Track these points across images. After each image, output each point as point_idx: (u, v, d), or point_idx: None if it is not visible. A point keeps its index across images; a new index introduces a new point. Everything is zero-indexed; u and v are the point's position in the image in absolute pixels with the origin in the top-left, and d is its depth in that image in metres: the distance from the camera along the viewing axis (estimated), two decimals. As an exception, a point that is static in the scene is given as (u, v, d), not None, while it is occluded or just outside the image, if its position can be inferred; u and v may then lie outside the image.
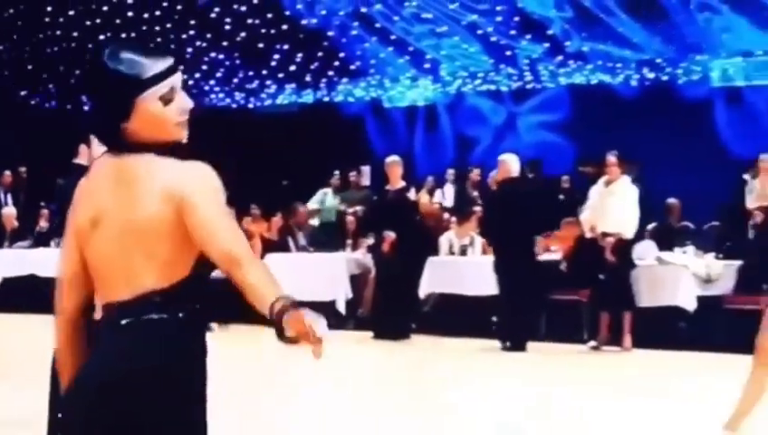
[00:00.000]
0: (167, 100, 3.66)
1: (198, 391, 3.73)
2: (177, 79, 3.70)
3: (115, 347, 3.63)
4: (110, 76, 3.57)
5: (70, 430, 3.68)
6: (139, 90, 3.61)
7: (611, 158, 15.48)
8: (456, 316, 16.96)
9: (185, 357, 3.67)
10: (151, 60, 3.65)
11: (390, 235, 16.71)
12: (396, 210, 16.90)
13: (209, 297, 3.79)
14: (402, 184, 17.24)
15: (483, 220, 17.32)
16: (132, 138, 3.64)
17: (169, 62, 3.69)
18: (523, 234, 15.74)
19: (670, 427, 9.83)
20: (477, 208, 19.40)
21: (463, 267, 17.53)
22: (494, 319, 16.61)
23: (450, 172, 21.87)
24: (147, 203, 3.57)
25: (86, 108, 25.76)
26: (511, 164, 16.31)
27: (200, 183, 3.56)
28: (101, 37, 24.62)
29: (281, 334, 3.42)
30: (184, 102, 3.71)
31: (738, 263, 15.30)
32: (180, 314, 3.62)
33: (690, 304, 15.52)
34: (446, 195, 20.93)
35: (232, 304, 15.37)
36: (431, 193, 19.55)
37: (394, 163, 17.22)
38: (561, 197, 19.67)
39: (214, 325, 16.81)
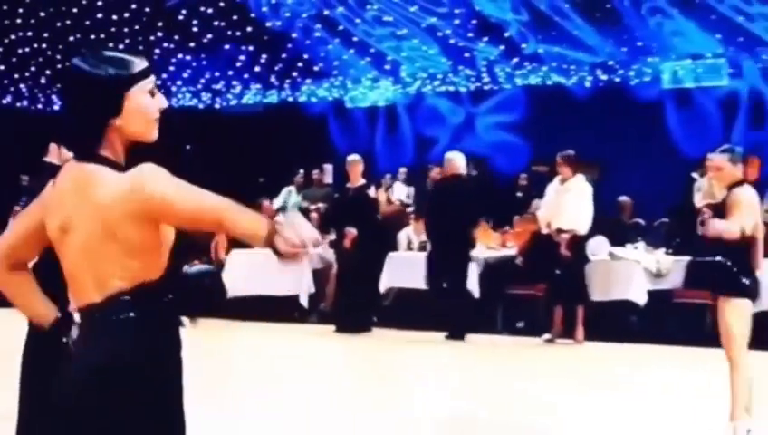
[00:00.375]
0: (152, 93, 3.75)
1: (173, 387, 3.75)
2: (153, 77, 3.78)
3: (89, 348, 3.66)
4: (99, 74, 3.63)
5: (50, 430, 3.70)
6: (130, 84, 3.68)
7: (559, 159, 15.62)
8: (415, 310, 17.00)
9: (158, 354, 3.68)
10: (136, 57, 3.74)
11: (351, 231, 16.75)
12: (356, 207, 16.94)
13: (179, 294, 3.81)
14: (362, 182, 17.28)
15: (424, 215, 17.41)
16: (116, 136, 3.68)
17: (146, 61, 3.76)
18: (458, 229, 15.88)
19: (621, 416, 9.90)
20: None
21: (421, 263, 17.54)
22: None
23: (402, 171, 21.93)
24: (111, 208, 3.59)
25: (57, 108, 25.60)
26: (457, 162, 16.47)
27: (157, 179, 3.57)
28: (71, 38, 24.54)
29: (280, 255, 3.46)
30: (161, 99, 3.79)
31: (687, 258, 15.39)
32: (151, 312, 3.65)
33: (641, 298, 15.62)
34: (397, 193, 20.94)
35: (201, 300, 15.51)
36: (387, 190, 19.59)
37: (354, 162, 17.27)
38: (519, 194, 19.73)
39: (190, 320, 16.83)
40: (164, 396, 3.69)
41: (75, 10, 24.26)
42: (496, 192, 20.37)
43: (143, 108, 3.70)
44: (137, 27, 24.78)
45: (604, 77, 21.79)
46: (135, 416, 3.59)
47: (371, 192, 17.68)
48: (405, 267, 17.45)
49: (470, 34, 22.82)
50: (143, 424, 3.61)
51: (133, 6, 24.71)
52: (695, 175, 16.91)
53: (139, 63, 3.72)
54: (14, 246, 3.92)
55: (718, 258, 8.41)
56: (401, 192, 21.10)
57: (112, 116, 3.66)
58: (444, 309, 16.16)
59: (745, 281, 8.22)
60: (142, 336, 3.63)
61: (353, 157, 17.39)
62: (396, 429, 9.28)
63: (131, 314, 3.61)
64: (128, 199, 3.55)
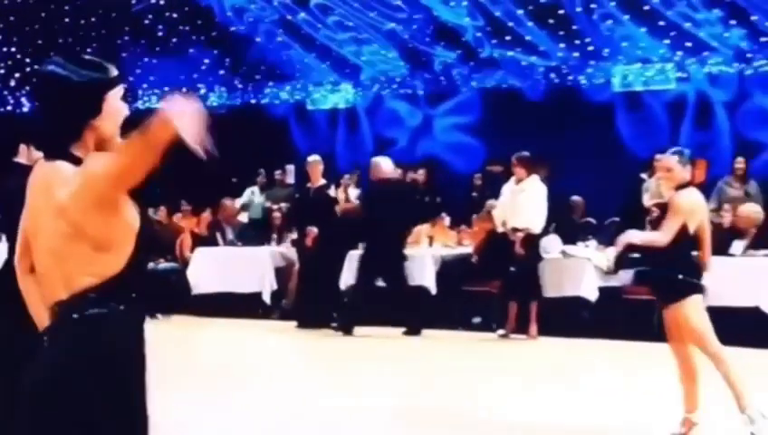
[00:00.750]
0: (123, 97, 3.87)
1: (136, 381, 3.79)
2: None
3: (54, 345, 3.69)
4: (82, 77, 3.73)
5: (20, 427, 3.73)
6: (109, 86, 3.80)
7: (513, 160, 15.70)
8: (375, 306, 17.02)
9: (123, 348, 3.72)
10: (109, 64, 3.86)
11: (313, 230, 16.77)
12: (317, 207, 16.98)
13: (146, 289, 3.85)
14: (323, 182, 17.31)
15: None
16: (91, 136, 3.73)
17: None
18: (391, 231, 15.97)
19: (572, 409, 9.96)
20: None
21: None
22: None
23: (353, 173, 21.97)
24: (66, 212, 3.64)
25: (27, 110, 25.52)
26: (384, 166, 16.59)
27: (91, 159, 3.68)
28: (40, 42, 24.45)
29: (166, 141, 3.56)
30: (125, 106, 3.89)
31: (636, 256, 15.46)
32: (117, 308, 3.68)
33: (592, 295, 15.70)
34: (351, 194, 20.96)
35: (166, 297, 15.43)
36: (346, 190, 19.61)
37: (315, 162, 17.32)
38: (474, 194, 19.77)
39: (158, 315, 16.85)
40: (127, 391, 3.73)
41: (43, 14, 24.19)
42: (442, 193, 20.49)
43: (117, 110, 3.82)
44: (104, 31, 24.74)
45: (557, 80, 21.88)
46: (98, 411, 3.62)
47: (331, 192, 17.71)
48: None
49: (428, 39, 22.88)
50: (107, 419, 3.64)
51: (100, 11, 24.68)
52: (643, 175, 17.03)
53: (113, 69, 3.84)
54: (25, 248, 3.94)
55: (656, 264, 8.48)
56: (354, 193, 21.14)
57: (93, 117, 3.75)
58: (400, 305, 16.24)
59: (692, 280, 8.28)
60: (106, 332, 3.67)
61: (314, 157, 17.43)
62: (353, 419, 9.32)
63: (96, 311, 3.65)
64: (80, 191, 3.61)
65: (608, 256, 16.02)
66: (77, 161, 3.71)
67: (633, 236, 8.41)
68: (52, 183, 3.69)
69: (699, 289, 8.30)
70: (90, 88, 3.75)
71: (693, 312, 8.23)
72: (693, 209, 8.29)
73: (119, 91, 3.83)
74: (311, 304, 16.81)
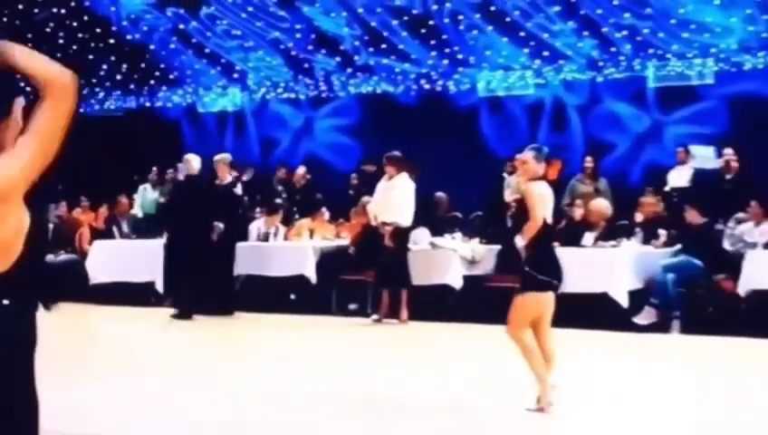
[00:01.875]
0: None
1: (27, 370, 3.64)
2: None
3: None
4: None
5: None
6: (15, 93, 3.59)
7: (385, 159, 15.77)
8: (264, 294, 17.02)
9: (13, 340, 3.57)
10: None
11: (219, 225, 16.56)
12: (225, 202, 16.85)
13: (39, 282, 3.75)
14: (230, 179, 17.21)
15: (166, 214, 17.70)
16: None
17: None
18: (195, 224, 16.04)
19: (440, 387, 10.01)
20: (282, 201, 19.48)
21: (268, 251, 17.53)
22: (293, 296, 16.77)
23: (250, 171, 21.89)
24: None
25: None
26: (193, 163, 16.64)
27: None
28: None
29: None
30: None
31: (498, 247, 15.59)
32: (5, 302, 3.57)
33: (457, 283, 15.79)
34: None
35: (66, 287, 15.21)
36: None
37: (222, 160, 17.20)
38: (351, 192, 19.75)
39: (59, 304, 16.62)
40: (20, 377, 3.62)
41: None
42: (322, 190, 20.49)
43: (18, 119, 3.57)
44: (6, 39, 24.26)
45: (427, 86, 21.94)
46: None
47: (238, 189, 17.54)
48: (254, 256, 17.38)
49: (309, 47, 22.84)
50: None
51: (4, 19, 24.29)
52: (504, 174, 17.20)
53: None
54: None
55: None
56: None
57: (2, 119, 3.55)
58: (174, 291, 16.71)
59: (537, 277, 8.43)
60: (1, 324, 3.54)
61: (222, 156, 17.36)
62: (242, 401, 9.25)
63: None
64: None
65: (472, 246, 16.13)
66: None
67: (520, 240, 8.56)
68: None
69: (543, 286, 8.45)
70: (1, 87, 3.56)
71: (525, 304, 8.43)
72: (543, 198, 8.44)
73: (20, 99, 3.68)
74: (208, 292, 16.63)
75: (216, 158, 17.28)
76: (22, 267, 3.61)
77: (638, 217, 16.38)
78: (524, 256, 8.55)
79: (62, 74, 3.51)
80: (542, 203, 8.41)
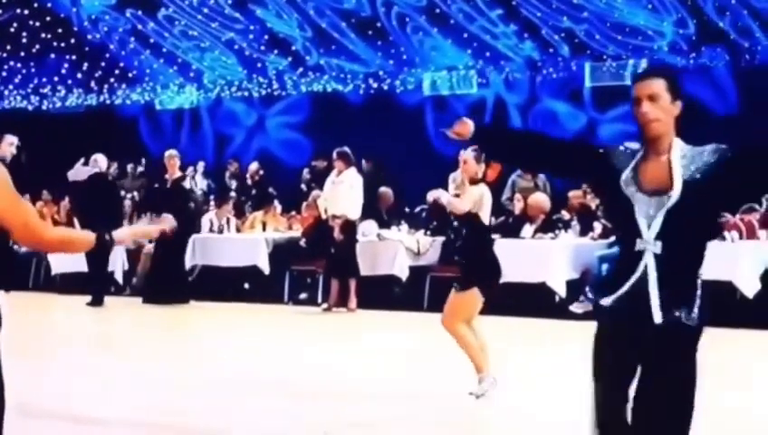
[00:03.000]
0: None
1: None
2: None
3: None
4: None
5: None
6: None
7: (334, 154, 15.76)
8: (218, 284, 16.99)
9: None
10: None
11: (169, 217, 16.44)
12: (173, 196, 16.76)
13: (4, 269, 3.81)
14: (179, 174, 17.13)
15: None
16: None
17: None
18: (91, 218, 15.92)
19: (385, 373, 9.99)
20: (233, 195, 19.44)
21: (221, 243, 17.48)
22: (246, 286, 16.75)
23: (200, 165, 21.89)
24: None
25: None
26: (101, 162, 17.13)
27: None
28: None
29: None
30: None
31: (441, 239, 15.59)
32: None
33: (403, 273, 15.79)
34: (199, 183, 20.78)
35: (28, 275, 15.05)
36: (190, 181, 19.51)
37: (172, 156, 17.15)
38: (303, 187, 19.68)
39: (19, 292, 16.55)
40: None
41: None
42: (275, 184, 20.42)
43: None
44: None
45: (375, 85, 21.90)
46: None
47: (186, 183, 17.49)
48: (207, 247, 17.34)
49: (262, 47, 22.76)
50: None
51: (-32, 20, 24.10)
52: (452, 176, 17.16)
53: None
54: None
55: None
56: (202, 183, 20.94)
57: None
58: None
59: (484, 278, 8.50)
60: None
61: (171, 152, 17.27)
62: (185, 386, 9.19)
63: None
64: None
65: (417, 238, 16.14)
66: None
67: (442, 194, 8.58)
68: None
69: (486, 287, 8.49)
70: None
71: (467, 301, 8.45)
72: (483, 201, 8.48)
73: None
74: (162, 282, 16.60)
75: (167, 154, 17.20)
76: None
77: (566, 212, 16.40)
78: (464, 254, 8.58)
79: None
80: (475, 203, 8.44)
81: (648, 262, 4.37)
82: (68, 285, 18.00)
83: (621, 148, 4.75)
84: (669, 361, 4.37)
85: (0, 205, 3.58)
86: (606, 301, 4.47)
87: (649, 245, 4.35)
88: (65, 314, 16.45)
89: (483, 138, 5.03)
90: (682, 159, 4.49)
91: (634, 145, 4.87)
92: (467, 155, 8.56)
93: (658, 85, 4.53)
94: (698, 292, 4.41)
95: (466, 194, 8.45)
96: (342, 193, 15.55)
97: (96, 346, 12.20)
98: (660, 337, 4.33)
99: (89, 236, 3.76)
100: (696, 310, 4.36)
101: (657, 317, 4.33)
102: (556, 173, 7.78)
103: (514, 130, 9.20)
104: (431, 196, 8.98)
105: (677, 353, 4.36)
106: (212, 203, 19.07)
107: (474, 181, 8.51)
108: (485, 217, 8.56)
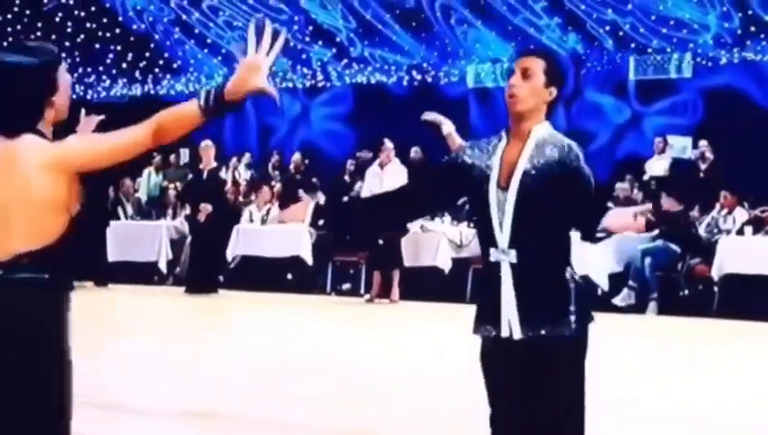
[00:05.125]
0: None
1: (64, 342, 3.66)
2: None
3: None
4: (33, 60, 3.63)
5: None
6: (58, 64, 3.72)
7: (388, 144, 15.79)
8: (258, 274, 17.12)
9: (51, 312, 3.61)
10: (47, 44, 3.80)
11: (207, 207, 16.65)
12: (209, 187, 16.93)
13: (74, 259, 3.78)
14: (214, 164, 17.28)
15: None
16: (50, 112, 3.69)
17: None
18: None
19: (428, 364, 10.11)
20: (276, 185, 19.59)
21: (263, 233, 17.64)
22: (289, 276, 16.96)
23: (246, 156, 21.99)
24: (27, 178, 3.55)
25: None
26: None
27: (73, 140, 3.69)
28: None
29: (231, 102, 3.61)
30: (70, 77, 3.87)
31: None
32: (46, 275, 3.59)
33: (446, 265, 15.90)
34: (243, 174, 20.94)
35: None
36: (233, 171, 19.66)
37: (207, 147, 17.23)
38: (347, 178, 19.75)
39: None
40: (55, 349, 3.63)
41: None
42: (318, 175, 20.51)
43: (67, 86, 3.74)
44: (18, 27, 24.38)
45: (418, 77, 22.01)
46: (29, 366, 3.57)
47: (222, 174, 17.69)
48: (249, 238, 17.51)
49: (307, 39, 22.93)
50: (35, 374, 3.58)
51: (15, 9, 24.35)
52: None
53: (53, 47, 3.77)
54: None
55: None
56: (246, 174, 21.09)
57: (51, 94, 3.69)
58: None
59: None
60: (40, 295, 3.58)
61: (206, 142, 17.34)
62: (224, 374, 9.33)
63: (32, 275, 3.57)
64: (48, 169, 3.56)
65: (460, 230, 16.24)
66: (41, 135, 3.65)
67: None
68: (6, 158, 3.59)
69: None
70: (43, 67, 3.66)
71: None
72: None
73: (63, 66, 3.75)
74: (200, 272, 16.78)
75: (203, 144, 17.28)
76: (53, 248, 3.65)
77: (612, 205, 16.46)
78: None
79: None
80: None
81: (504, 271, 4.04)
82: (109, 273, 18.13)
83: (483, 141, 4.40)
84: (539, 382, 4.05)
85: (82, 160, 3.68)
86: (477, 318, 4.20)
87: (503, 254, 4.02)
88: (111, 302, 16.62)
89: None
90: (535, 148, 4.15)
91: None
92: None
93: (536, 64, 4.21)
94: (571, 297, 4.07)
95: None
96: (389, 184, 15.61)
97: (138, 334, 12.37)
98: (525, 357, 4.04)
99: (190, 107, 3.65)
100: (569, 319, 4.06)
101: (517, 333, 4.03)
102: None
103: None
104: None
105: (548, 372, 4.05)
106: (253, 194, 19.20)
107: None
108: None
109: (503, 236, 4.03)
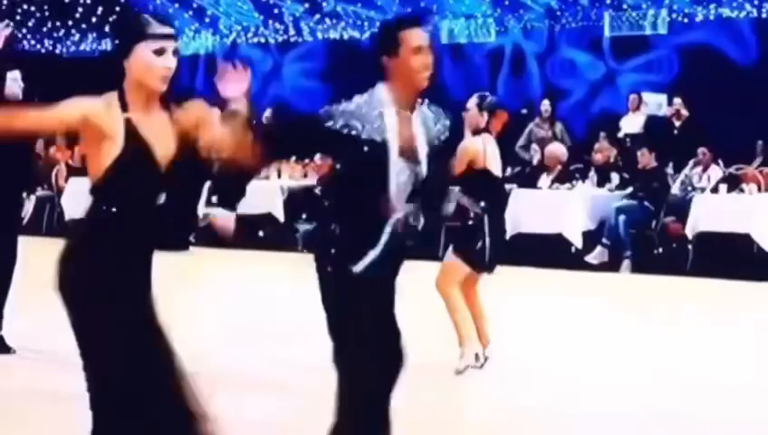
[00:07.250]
0: (158, 52, 4.17)
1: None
2: (164, 41, 4.17)
3: None
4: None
5: None
6: (137, 39, 4.16)
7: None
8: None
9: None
10: (155, 21, 4.20)
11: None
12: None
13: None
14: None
15: None
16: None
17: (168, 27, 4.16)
18: None
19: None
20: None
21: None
22: (261, 233, 16.86)
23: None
24: None
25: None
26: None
27: None
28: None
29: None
30: (166, 60, 4.22)
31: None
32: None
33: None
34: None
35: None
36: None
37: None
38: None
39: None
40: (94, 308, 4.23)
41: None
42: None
43: (145, 60, 4.12)
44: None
45: (391, 32, 21.85)
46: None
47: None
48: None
49: (279, -7, 22.80)
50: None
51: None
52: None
53: (156, 27, 4.10)
54: None
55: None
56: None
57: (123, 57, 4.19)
58: None
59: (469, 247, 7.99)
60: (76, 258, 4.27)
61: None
62: (204, 334, 9.26)
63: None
64: None
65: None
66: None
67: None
68: None
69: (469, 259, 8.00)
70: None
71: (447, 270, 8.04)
72: (473, 156, 7.85)
73: (151, 44, 4.16)
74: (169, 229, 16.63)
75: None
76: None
77: (596, 159, 16.41)
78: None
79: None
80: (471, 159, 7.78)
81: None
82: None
83: (352, 106, 4.65)
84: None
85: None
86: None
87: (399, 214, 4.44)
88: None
89: None
90: (423, 119, 4.53)
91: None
92: (470, 103, 8.02)
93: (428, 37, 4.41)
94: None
95: (457, 152, 7.57)
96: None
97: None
98: None
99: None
100: None
101: None
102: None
103: None
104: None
105: None
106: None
107: (476, 132, 7.88)
108: (493, 168, 7.93)
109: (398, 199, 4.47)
